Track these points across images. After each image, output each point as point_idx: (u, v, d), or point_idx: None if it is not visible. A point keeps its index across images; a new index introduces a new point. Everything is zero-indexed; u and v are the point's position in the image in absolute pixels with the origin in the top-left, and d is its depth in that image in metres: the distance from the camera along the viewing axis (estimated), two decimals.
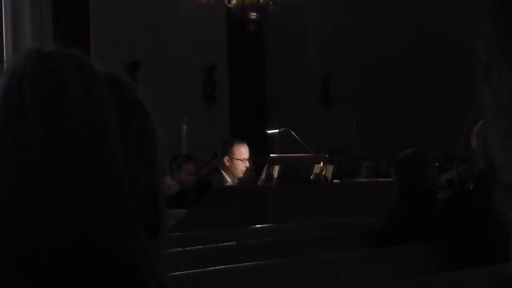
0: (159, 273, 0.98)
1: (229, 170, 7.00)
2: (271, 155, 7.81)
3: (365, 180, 10.33)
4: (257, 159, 8.92)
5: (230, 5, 10.69)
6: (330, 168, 7.27)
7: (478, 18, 0.77)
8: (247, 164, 7.09)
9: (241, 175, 7.11)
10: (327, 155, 7.58)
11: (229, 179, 7.00)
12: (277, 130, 9.23)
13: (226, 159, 6.96)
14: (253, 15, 10.58)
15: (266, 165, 7.10)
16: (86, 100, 0.97)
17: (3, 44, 12.49)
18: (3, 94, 0.97)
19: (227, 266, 4.09)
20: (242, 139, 7.37)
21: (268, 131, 9.62)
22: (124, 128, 1.00)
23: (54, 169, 0.94)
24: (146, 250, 0.97)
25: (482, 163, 4.59)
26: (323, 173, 7.10)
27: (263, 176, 7.09)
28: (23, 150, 0.94)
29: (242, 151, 7.03)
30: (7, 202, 0.94)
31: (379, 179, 9.31)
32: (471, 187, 5.15)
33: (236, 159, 6.97)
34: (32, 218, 0.93)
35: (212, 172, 7.17)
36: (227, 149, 7.01)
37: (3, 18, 12.64)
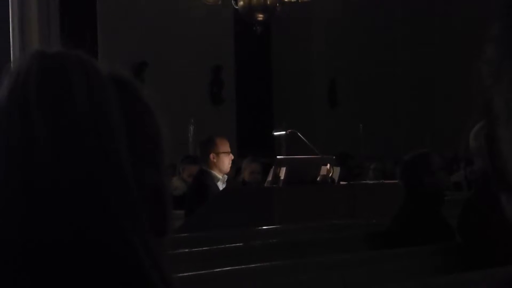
0: (165, 272, 0.98)
1: (216, 166, 7.03)
2: (278, 156, 7.81)
3: (371, 181, 10.31)
4: (264, 161, 8.93)
5: (237, 7, 10.68)
6: (337, 170, 7.26)
7: (489, 21, 0.76)
8: (232, 157, 7.14)
9: (228, 169, 7.18)
10: (334, 157, 7.57)
11: (219, 176, 7.03)
12: (284, 132, 9.22)
13: (212, 156, 7.01)
14: (260, 16, 10.57)
15: (273, 166, 7.11)
16: (91, 100, 0.97)
17: (10, 45, 12.52)
18: (8, 95, 0.98)
19: (233, 267, 4.10)
20: (249, 140, 7.40)
21: (275, 133, 9.62)
22: (128, 128, 1.00)
23: (59, 168, 0.94)
24: (152, 249, 0.97)
25: (481, 164, 4.58)
26: (330, 175, 7.10)
27: (270, 178, 7.10)
28: (28, 150, 0.95)
29: (226, 144, 7.10)
30: (11, 200, 0.95)
31: (386, 181, 9.29)
32: (477, 189, 5.13)
33: (222, 152, 7.01)
34: (35, 216, 0.93)
35: (202, 173, 7.20)
36: (210, 146, 7.08)
37: (11, 19, 12.67)
